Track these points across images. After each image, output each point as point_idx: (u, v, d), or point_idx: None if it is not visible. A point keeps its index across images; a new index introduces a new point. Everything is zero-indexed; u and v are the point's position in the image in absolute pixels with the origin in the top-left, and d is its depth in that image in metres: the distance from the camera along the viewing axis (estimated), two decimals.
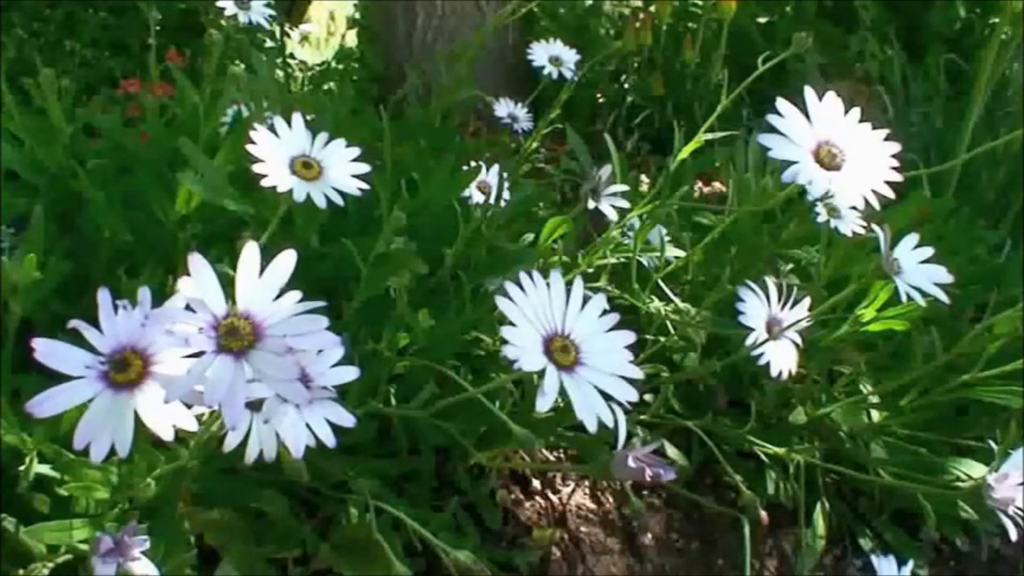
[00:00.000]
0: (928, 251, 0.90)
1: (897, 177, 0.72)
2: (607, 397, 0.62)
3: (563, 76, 1.47)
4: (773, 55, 1.01)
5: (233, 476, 0.82)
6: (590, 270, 1.13)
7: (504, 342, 0.59)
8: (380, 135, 1.12)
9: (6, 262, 0.78)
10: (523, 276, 0.62)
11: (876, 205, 0.71)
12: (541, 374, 0.60)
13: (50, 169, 1.07)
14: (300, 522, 0.88)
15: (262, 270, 0.55)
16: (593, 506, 1.08)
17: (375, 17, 2.17)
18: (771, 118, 0.70)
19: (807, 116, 0.71)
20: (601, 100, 2.08)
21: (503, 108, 1.56)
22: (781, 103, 0.70)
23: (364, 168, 0.83)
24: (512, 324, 0.60)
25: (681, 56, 1.98)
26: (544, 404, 0.59)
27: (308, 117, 0.83)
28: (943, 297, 0.87)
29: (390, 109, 1.19)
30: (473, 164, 1.20)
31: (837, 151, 0.71)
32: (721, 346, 1.07)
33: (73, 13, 1.87)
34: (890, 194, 0.72)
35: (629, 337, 0.65)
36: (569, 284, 0.65)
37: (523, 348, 0.60)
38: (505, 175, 1.16)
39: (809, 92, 0.71)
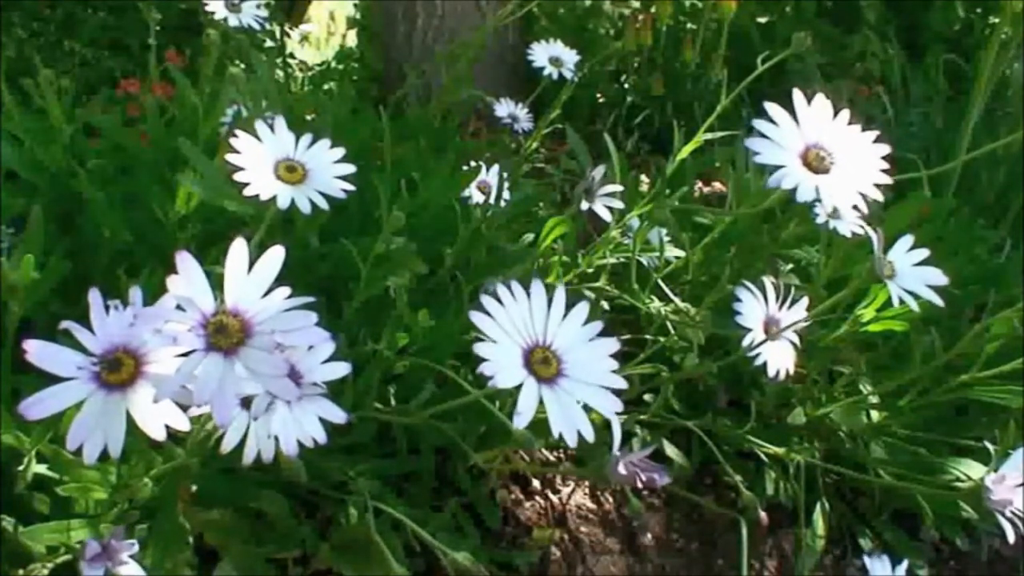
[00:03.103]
0: (923, 253, 0.89)
1: (888, 180, 0.70)
2: (590, 409, 0.60)
3: (563, 76, 1.47)
4: (773, 55, 1.01)
5: (232, 476, 0.82)
6: (590, 270, 1.13)
7: (481, 359, 0.57)
8: (380, 135, 1.13)
9: (6, 262, 0.78)
10: (501, 289, 0.60)
11: (865, 209, 0.70)
12: (518, 390, 0.58)
13: (50, 169, 1.07)
14: (300, 522, 0.88)
15: (253, 268, 0.54)
16: (593, 506, 1.08)
17: (375, 17, 2.17)
18: (758, 122, 0.68)
19: (795, 119, 0.70)
20: (601, 100, 2.08)
21: (503, 108, 1.56)
22: (771, 107, 0.69)
23: (349, 169, 0.81)
24: (490, 340, 0.58)
25: (681, 56, 1.99)
26: (521, 422, 0.57)
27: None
28: (937, 300, 0.87)
29: (390, 109, 1.19)
30: (473, 164, 1.20)
31: (826, 154, 0.70)
32: (721, 346, 1.07)
33: (73, 13, 1.87)
34: (879, 197, 0.70)
35: (613, 345, 0.63)
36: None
37: (499, 363, 0.57)
38: (505, 175, 1.16)
39: (798, 95, 0.69)
